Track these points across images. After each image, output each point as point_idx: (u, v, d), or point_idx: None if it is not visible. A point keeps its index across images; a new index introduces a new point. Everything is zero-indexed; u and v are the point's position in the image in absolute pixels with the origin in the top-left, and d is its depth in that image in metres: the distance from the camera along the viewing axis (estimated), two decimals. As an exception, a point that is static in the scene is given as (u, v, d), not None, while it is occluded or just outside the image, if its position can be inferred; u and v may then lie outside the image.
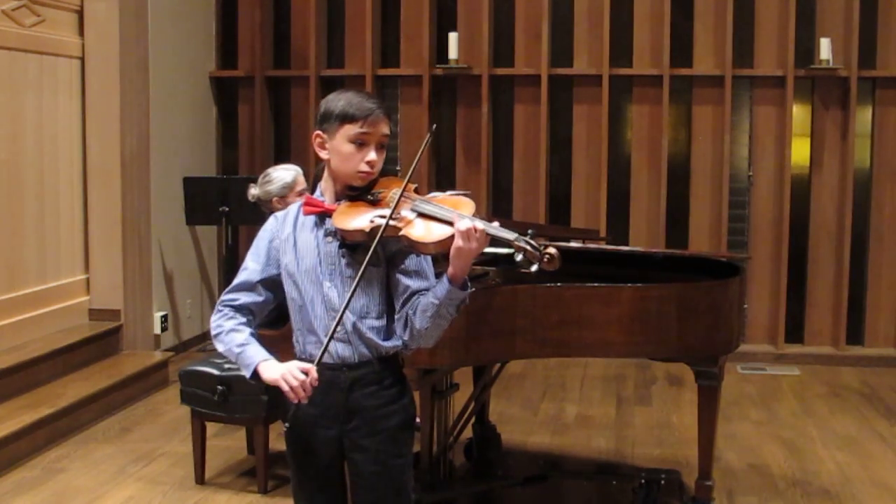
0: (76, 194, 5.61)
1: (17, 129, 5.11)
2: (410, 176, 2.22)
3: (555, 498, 4.06)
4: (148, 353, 5.74)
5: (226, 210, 5.83)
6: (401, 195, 2.17)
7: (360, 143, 2.21)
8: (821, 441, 4.74)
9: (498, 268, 3.89)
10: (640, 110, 6.48)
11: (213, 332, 2.32)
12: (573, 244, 3.99)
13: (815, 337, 6.41)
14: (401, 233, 2.15)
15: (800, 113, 6.34)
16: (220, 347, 2.30)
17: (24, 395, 4.75)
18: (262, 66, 6.65)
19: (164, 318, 6.08)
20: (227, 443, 4.57)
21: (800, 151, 6.34)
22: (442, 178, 6.62)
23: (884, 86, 6.24)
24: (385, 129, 2.25)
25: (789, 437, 4.81)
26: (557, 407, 5.32)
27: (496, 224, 2.10)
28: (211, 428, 4.30)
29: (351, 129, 2.21)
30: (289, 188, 3.99)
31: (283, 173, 4.02)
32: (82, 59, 5.60)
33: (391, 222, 2.14)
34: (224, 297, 2.34)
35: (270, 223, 2.37)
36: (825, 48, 6.08)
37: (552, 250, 2.05)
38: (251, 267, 2.33)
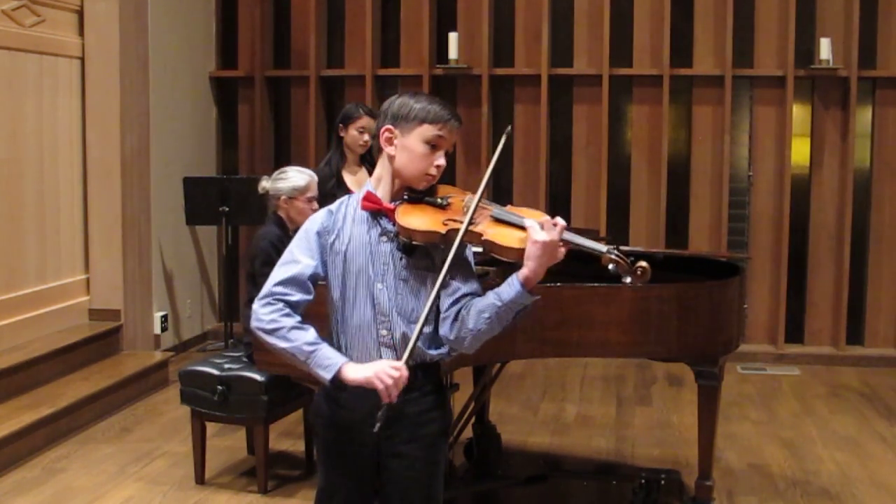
0: (76, 194, 5.61)
1: (17, 129, 5.11)
2: (487, 180, 2.23)
3: (555, 498, 4.07)
4: (148, 353, 5.74)
5: (226, 210, 5.84)
6: (478, 200, 2.18)
7: (434, 146, 2.23)
8: (821, 441, 4.74)
9: (498, 268, 3.88)
10: (640, 110, 6.48)
11: (266, 327, 2.19)
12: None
13: (815, 337, 6.41)
14: (483, 237, 2.16)
15: (800, 113, 6.34)
16: (280, 344, 2.18)
17: (24, 395, 4.75)
18: (262, 66, 6.65)
19: (164, 318, 6.08)
20: (227, 443, 4.58)
21: (800, 151, 6.34)
22: (442, 178, 6.59)
23: (884, 86, 6.23)
24: (455, 139, 2.29)
25: (789, 437, 4.81)
26: (557, 407, 5.32)
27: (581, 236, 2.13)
28: (211, 428, 4.30)
29: (429, 131, 2.22)
30: (299, 192, 3.98)
31: (298, 176, 4.00)
32: (82, 59, 5.60)
33: (470, 227, 2.15)
34: (275, 288, 2.21)
35: (321, 215, 2.29)
36: (825, 48, 6.08)
37: (644, 264, 2.11)
38: (304, 261, 2.23)
